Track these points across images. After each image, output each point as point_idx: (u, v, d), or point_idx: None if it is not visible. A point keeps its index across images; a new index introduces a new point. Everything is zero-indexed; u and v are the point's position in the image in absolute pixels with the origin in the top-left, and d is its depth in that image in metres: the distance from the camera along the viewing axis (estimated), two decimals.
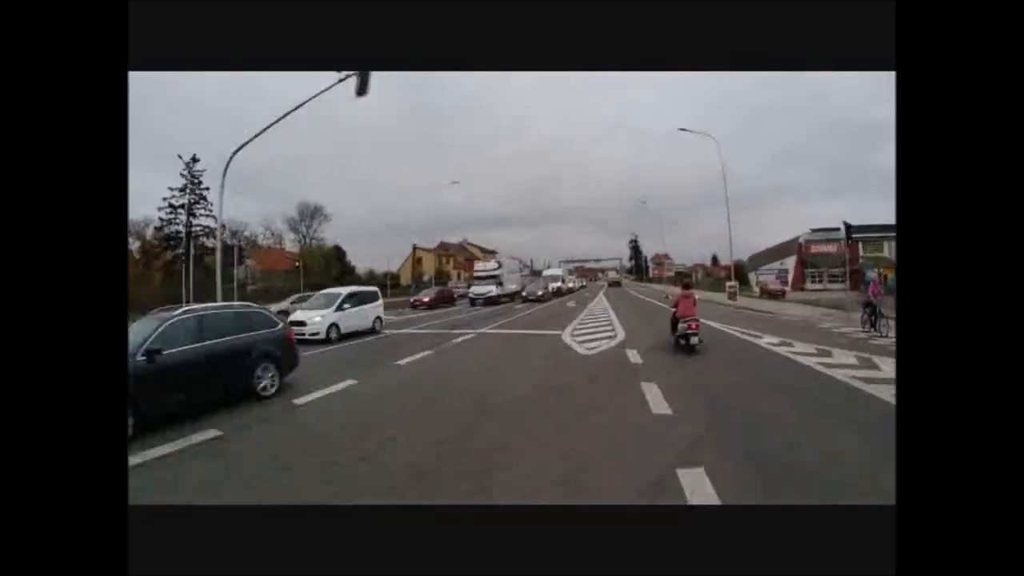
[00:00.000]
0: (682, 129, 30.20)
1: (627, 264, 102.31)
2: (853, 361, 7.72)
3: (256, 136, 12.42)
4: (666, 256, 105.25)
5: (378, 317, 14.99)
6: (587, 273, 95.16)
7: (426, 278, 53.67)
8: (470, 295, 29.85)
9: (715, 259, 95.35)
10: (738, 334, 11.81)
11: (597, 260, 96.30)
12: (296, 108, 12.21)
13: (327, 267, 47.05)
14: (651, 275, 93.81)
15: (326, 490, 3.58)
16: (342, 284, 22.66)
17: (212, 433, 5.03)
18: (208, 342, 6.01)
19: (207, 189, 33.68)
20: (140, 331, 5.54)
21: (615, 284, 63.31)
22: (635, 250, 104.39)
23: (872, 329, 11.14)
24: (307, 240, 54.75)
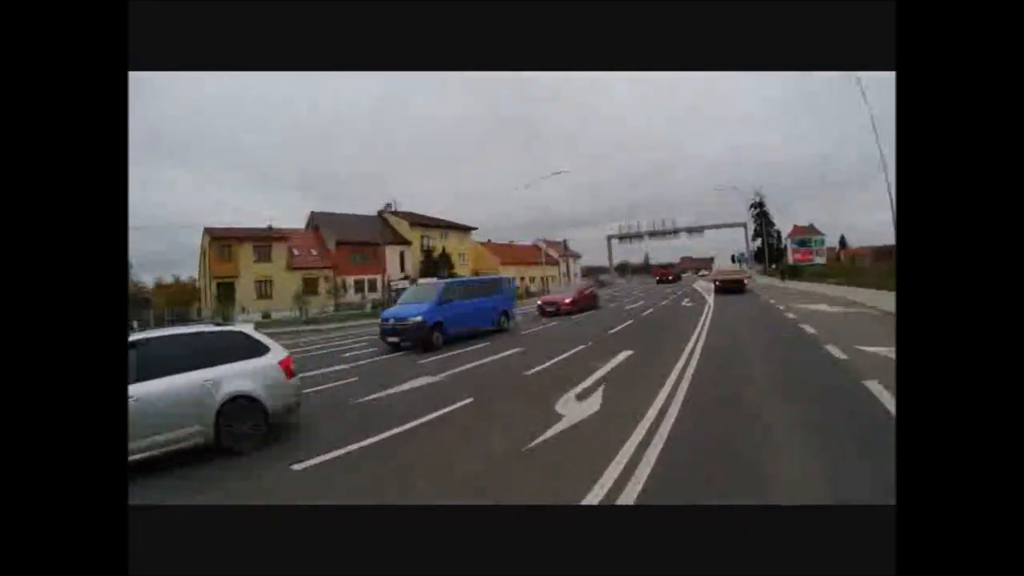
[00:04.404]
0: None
1: (751, 248, 52.27)
2: None
3: None
4: (812, 229, 59.35)
5: None
6: (662, 271, 52.85)
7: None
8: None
9: (843, 241, 70.41)
10: None
11: (694, 230, 52.18)
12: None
13: None
14: (792, 260, 52.43)
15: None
16: None
17: None
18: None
19: None
20: None
21: (731, 286, 25.40)
22: (762, 218, 53.48)
23: None
24: None
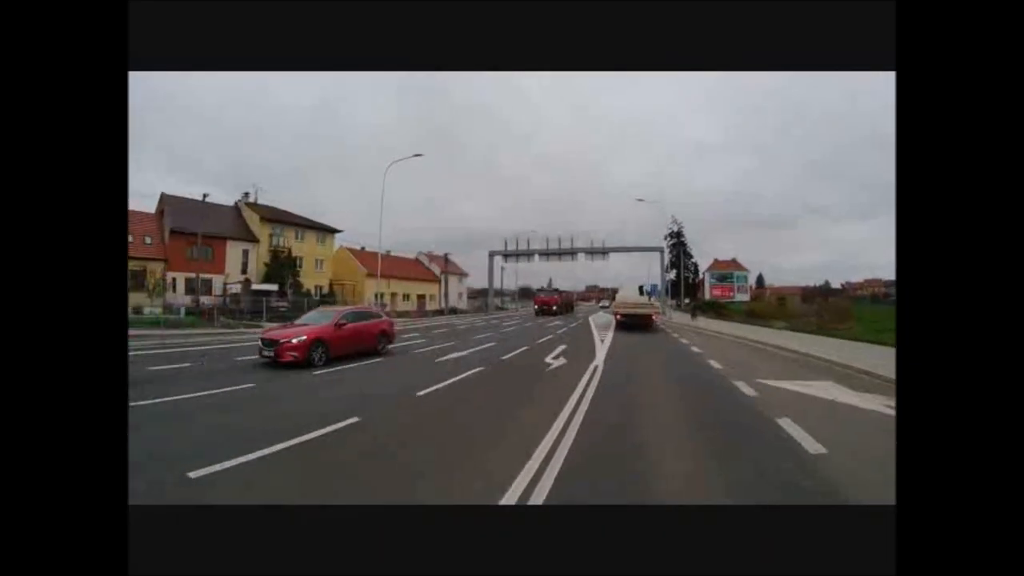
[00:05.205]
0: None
1: (666, 280, 46.96)
2: None
3: None
4: (735, 264, 57.75)
5: None
6: (544, 300, 42.34)
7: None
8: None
9: (760, 280, 73.46)
10: None
11: (595, 251, 43.40)
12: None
13: None
14: (710, 296, 52.15)
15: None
16: None
17: None
18: None
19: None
20: None
21: (637, 322, 21.55)
22: (678, 248, 50.09)
23: None
24: None
